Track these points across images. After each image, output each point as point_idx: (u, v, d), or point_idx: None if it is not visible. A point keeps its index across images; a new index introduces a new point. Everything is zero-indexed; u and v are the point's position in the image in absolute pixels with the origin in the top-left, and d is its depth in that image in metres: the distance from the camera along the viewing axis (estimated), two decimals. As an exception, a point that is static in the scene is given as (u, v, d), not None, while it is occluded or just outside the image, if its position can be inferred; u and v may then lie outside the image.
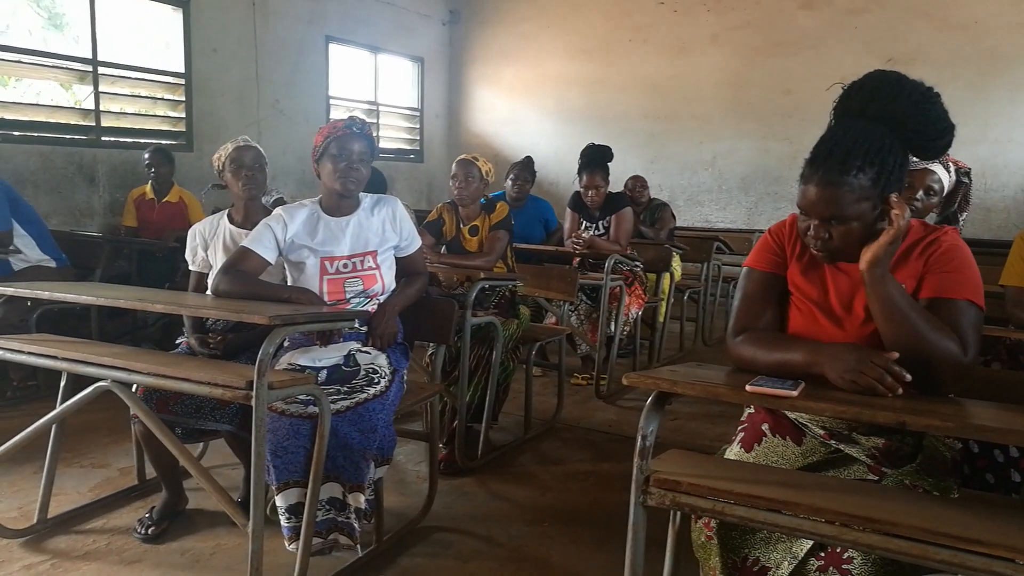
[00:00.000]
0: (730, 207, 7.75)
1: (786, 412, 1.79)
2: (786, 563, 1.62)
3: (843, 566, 1.55)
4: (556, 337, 3.84)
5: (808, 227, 1.62)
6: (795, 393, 1.37)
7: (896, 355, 1.46)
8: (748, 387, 1.41)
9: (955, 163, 2.84)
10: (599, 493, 2.97)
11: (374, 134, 8.09)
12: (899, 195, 1.56)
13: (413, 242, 2.63)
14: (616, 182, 5.75)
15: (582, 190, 4.57)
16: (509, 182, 4.74)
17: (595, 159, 4.48)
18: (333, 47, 7.55)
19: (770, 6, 7.39)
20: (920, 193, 2.83)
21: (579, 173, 4.57)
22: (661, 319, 5.11)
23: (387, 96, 8.38)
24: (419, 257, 2.69)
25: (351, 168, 2.44)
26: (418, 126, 8.82)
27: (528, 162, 4.78)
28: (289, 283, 2.52)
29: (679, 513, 1.79)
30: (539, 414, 3.89)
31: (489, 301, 3.38)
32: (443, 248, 3.61)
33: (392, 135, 8.62)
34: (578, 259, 4.53)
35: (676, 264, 5.35)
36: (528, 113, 8.80)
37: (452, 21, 9.08)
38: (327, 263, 2.46)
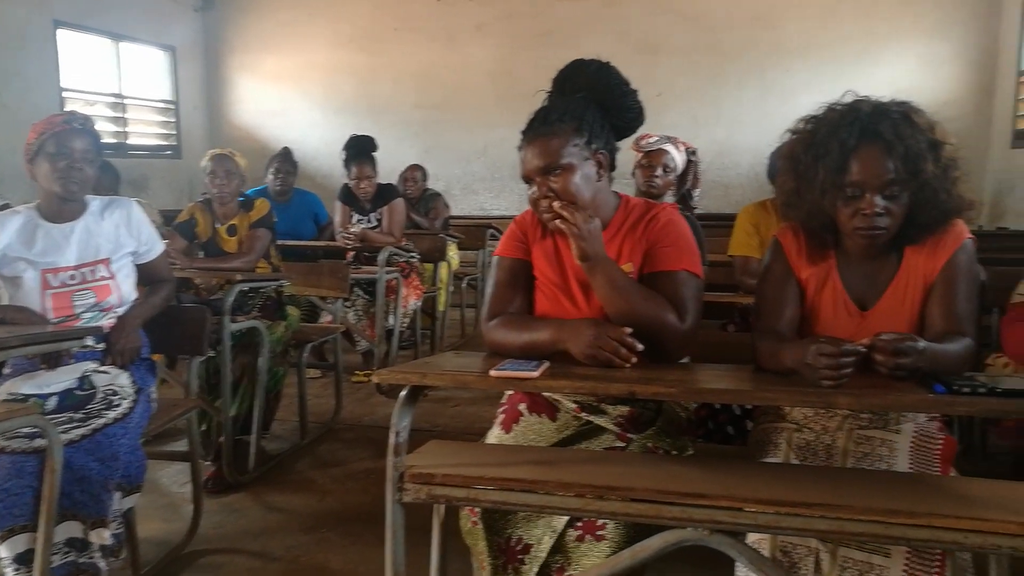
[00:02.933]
0: (504, 194, 7.96)
1: (541, 390, 1.85)
2: (547, 537, 1.67)
3: (598, 532, 1.63)
4: (330, 336, 3.73)
5: (536, 195, 1.70)
6: (536, 374, 1.41)
7: (629, 329, 1.55)
8: (492, 372, 1.42)
9: (684, 144, 3.09)
10: (379, 491, 2.83)
11: (121, 129, 7.44)
12: (564, 204, 1.65)
13: (154, 246, 2.41)
14: (392, 172, 5.70)
15: (352, 182, 4.47)
16: (271, 176, 4.52)
17: (361, 150, 4.40)
18: (64, 33, 6.77)
19: (531, -3, 7.66)
20: (659, 171, 3.05)
21: (346, 165, 4.46)
22: (441, 308, 5.14)
23: (135, 88, 7.68)
24: (163, 262, 2.47)
25: (72, 168, 2.18)
26: (174, 120, 8.17)
27: (287, 153, 4.59)
28: (5, 302, 2.22)
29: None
30: (318, 416, 3.77)
31: (252, 304, 3.20)
32: (200, 251, 3.37)
33: (144, 130, 7.92)
34: (352, 253, 4.44)
35: (453, 253, 5.41)
36: (296, 104, 8.46)
37: (205, 7, 8.50)
38: (49, 276, 2.19)
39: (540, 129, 1.72)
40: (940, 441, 1.66)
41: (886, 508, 1.26)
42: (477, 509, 1.66)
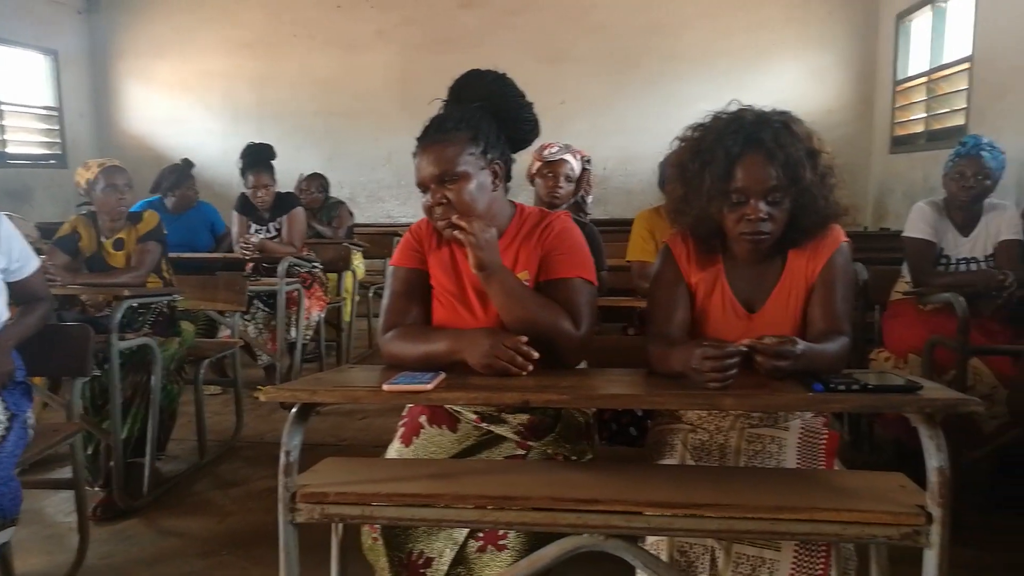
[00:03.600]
0: (411, 201, 7.88)
1: (441, 402, 1.83)
2: (448, 550, 1.66)
3: (500, 542, 1.63)
4: (229, 351, 3.60)
5: (430, 203, 1.69)
6: (430, 386, 1.39)
7: (525, 338, 1.55)
8: (385, 386, 1.40)
9: (579, 152, 3.14)
10: (282, 509, 2.83)
11: (-2, 137, 7.00)
12: (460, 217, 1.64)
13: (27, 263, 2.27)
14: (295, 181, 5.57)
15: (249, 191, 4.33)
16: (170, 193, 4.36)
17: (258, 158, 4.27)
18: (-67, 36, 6.33)
19: (432, 4, 7.60)
20: (562, 180, 3.08)
21: (243, 174, 4.32)
22: (347, 319, 5.04)
23: (12, 94, 7.24)
24: (38, 280, 2.33)
25: None
26: (58, 127, 7.75)
27: (183, 166, 4.42)
28: None
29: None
30: (218, 435, 3.63)
31: (143, 321, 3.06)
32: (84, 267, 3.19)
33: (24, 138, 7.47)
34: (251, 265, 4.30)
35: (358, 262, 5.32)
36: (192, 112, 8.16)
37: (90, 10, 8.09)
38: (-90, 297, 2.03)
39: (435, 137, 1.71)
40: (825, 436, 1.73)
41: (772, 505, 1.30)
42: (377, 525, 1.63)
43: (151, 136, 8.20)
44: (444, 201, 1.68)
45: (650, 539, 1.58)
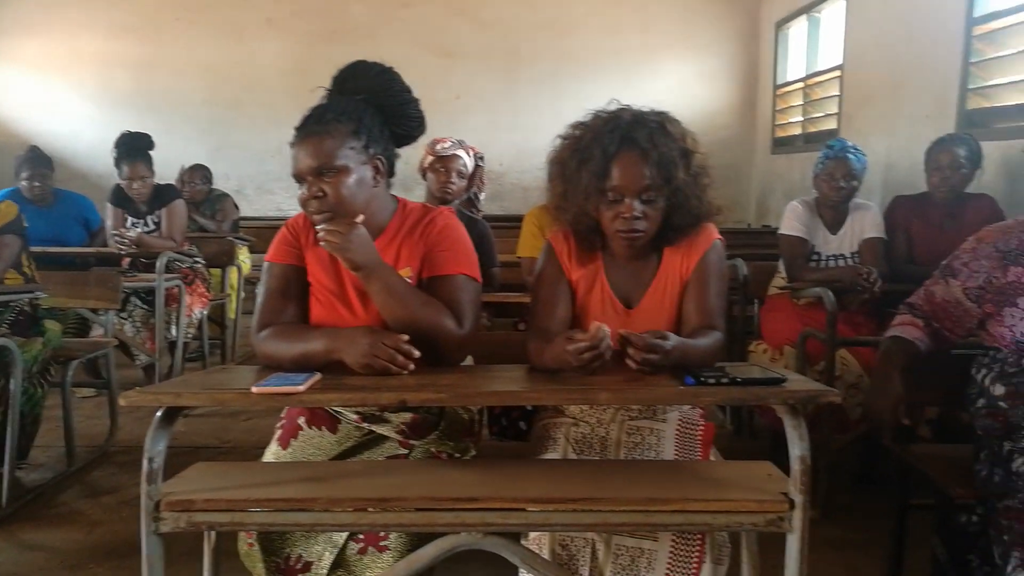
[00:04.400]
0: (302, 195, 7.70)
1: (321, 402, 1.78)
2: (328, 553, 1.62)
3: (381, 543, 1.60)
4: (101, 351, 3.40)
5: (306, 196, 1.64)
6: (302, 388, 1.34)
7: (406, 337, 1.52)
8: (254, 388, 1.35)
9: (472, 148, 3.13)
10: (158, 517, 2.69)
11: None
12: (325, 219, 1.61)
13: None
14: (176, 174, 5.32)
15: (124, 183, 4.10)
16: (24, 182, 4.07)
17: (133, 147, 4.05)
18: None
19: (323, -7, 7.45)
20: (454, 176, 3.06)
21: (117, 165, 4.09)
22: (232, 316, 4.86)
23: None
24: None
25: None
26: (-91, 110, 7.14)
27: (35, 154, 4.14)
28: None
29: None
30: (90, 440, 3.43)
31: (0, 321, 2.84)
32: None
33: None
34: (127, 260, 4.08)
35: (244, 256, 5.14)
36: (65, 96, 7.67)
37: (-55, -18, 7.49)
38: None
39: (315, 128, 1.64)
40: (701, 427, 1.78)
41: (646, 497, 1.33)
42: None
43: (18, 122, 7.66)
44: (321, 195, 1.63)
45: (532, 534, 1.59)
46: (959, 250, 1.93)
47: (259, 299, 1.74)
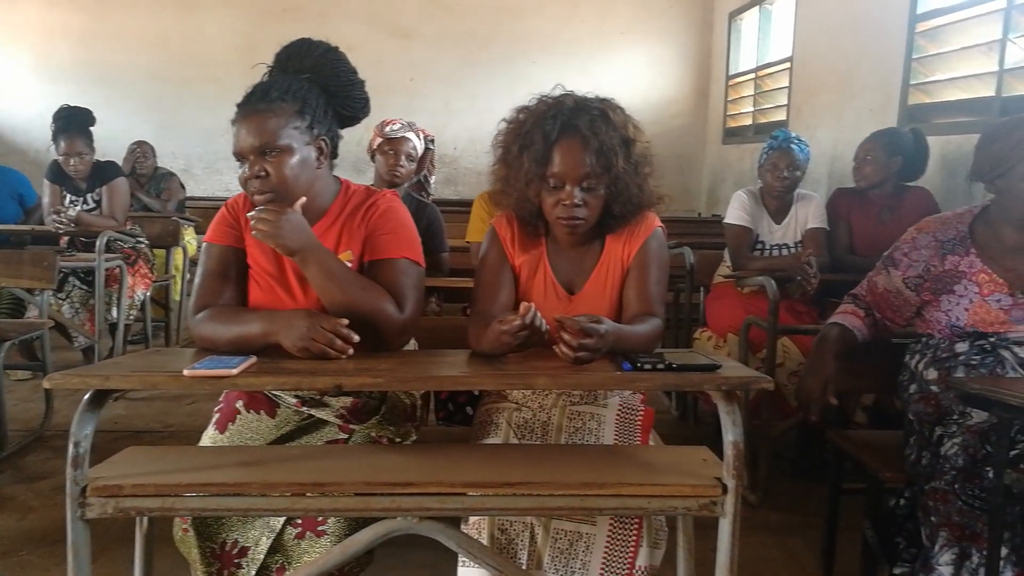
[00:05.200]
0: (252, 175, 7.55)
1: (260, 386, 1.76)
2: (264, 539, 1.60)
3: (319, 528, 1.59)
4: (36, 333, 3.29)
5: (247, 175, 1.60)
6: (234, 372, 1.32)
7: (345, 320, 1.51)
8: (186, 371, 1.32)
9: (422, 131, 3.10)
10: (94, 502, 2.63)
11: None
12: (265, 207, 1.56)
13: None
14: (123, 151, 5.16)
15: (61, 158, 3.97)
16: None
17: (71, 122, 3.91)
18: None
19: (277, -30, 7.29)
20: (403, 159, 3.03)
21: (55, 140, 3.95)
22: (176, 298, 4.76)
23: None
24: None
25: None
26: None
27: None
28: None
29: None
30: (25, 424, 3.33)
31: (-74, 299, 2.74)
32: None
33: None
34: (66, 238, 3.96)
35: (190, 237, 5.03)
36: (1, 67, 7.39)
37: None
38: None
39: (259, 106, 1.61)
40: (641, 413, 1.80)
41: (582, 482, 1.34)
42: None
43: (-55, 93, 7.36)
44: (263, 174, 1.59)
45: (472, 518, 1.60)
46: (900, 241, 1.98)
47: (196, 280, 1.70)
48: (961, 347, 1.86)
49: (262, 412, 1.73)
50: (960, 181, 3.46)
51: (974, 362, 1.83)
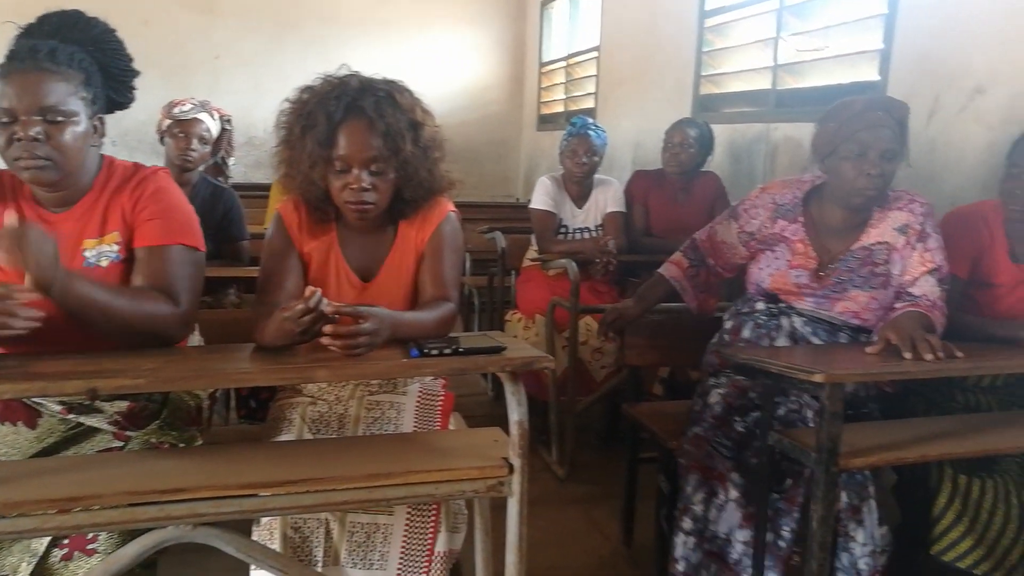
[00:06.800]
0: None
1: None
2: (25, 564, 1.44)
3: (88, 547, 1.45)
4: None
5: (21, 135, 1.41)
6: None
7: (26, 286, 1.29)
8: None
9: (218, 111, 2.93)
10: None
11: None
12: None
13: None
14: None
15: None
16: None
17: None
18: None
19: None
20: (195, 142, 2.84)
21: None
22: None
23: None
24: None
25: None
26: None
27: None
28: None
29: None
30: None
31: None
32: None
33: None
34: None
35: None
36: None
37: None
38: None
39: (46, 64, 1.44)
40: (441, 397, 1.80)
41: (368, 473, 1.31)
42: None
43: None
44: (40, 137, 1.42)
45: (263, 520, 1.53)
46: (747, 196, 2.11)
47: None
48: (760, 306, 2.01)
49: (19, 423, 1.56)
50: (743, 166, 3.75)
51: (761, 321, 1.98)
